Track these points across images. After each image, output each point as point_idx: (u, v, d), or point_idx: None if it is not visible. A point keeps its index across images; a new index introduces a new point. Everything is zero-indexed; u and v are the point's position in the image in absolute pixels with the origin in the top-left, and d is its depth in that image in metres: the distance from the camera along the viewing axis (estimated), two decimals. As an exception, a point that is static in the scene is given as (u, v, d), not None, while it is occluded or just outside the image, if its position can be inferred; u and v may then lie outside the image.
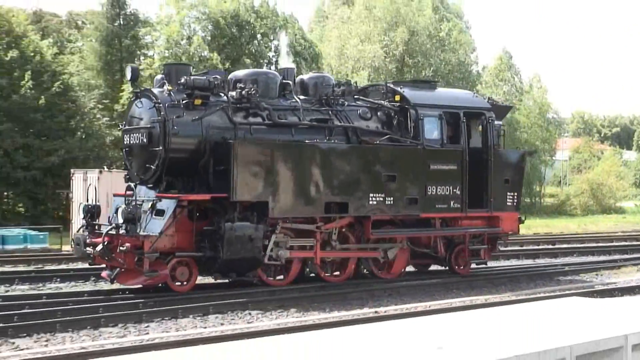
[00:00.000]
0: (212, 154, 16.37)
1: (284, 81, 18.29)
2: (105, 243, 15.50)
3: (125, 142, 17.42)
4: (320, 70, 47.38)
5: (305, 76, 19.66)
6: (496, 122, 20.17)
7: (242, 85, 17.20)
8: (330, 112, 18.23)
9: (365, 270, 19.23)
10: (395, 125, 18.91)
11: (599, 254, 28.10)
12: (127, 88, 41.15)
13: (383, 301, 16.85)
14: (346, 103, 18.70)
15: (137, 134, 16.85)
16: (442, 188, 18.70)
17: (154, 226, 15.62)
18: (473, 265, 20.40)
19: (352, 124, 18.34)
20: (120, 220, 15.59)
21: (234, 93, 17.22)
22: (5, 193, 37.60)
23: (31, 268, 21.06)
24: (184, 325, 13.93)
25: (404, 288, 18.25)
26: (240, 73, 18.69)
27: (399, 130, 18.83)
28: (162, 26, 44.86)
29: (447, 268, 20.14)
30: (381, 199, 17.88)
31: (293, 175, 16.87)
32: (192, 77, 16.61)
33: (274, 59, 47.19)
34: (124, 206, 15.98)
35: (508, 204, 19.97)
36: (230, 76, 18.40)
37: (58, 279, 18.61)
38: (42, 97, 36.88)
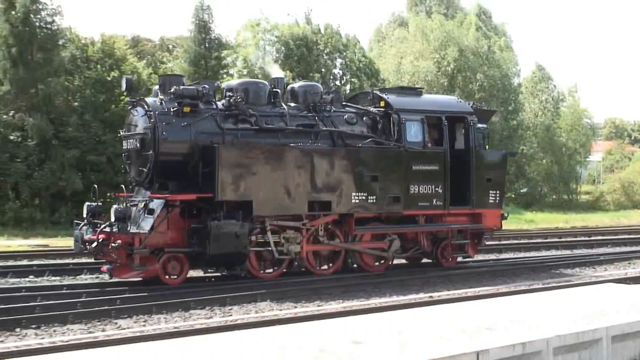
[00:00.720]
0: (200, 157, 15.82)
1: (273, 90, 17.54)
2: (100, 240, 15.15)
3: (124, 148, 17.05)
4: (380, 84, 47.28)
5: (295, 85, 18.80)
6: (480, 125, 19.27)
7: (231, 94, 16.70)
8: (316, 117, 17.42)
9: (354, 264, 18.35)
10: (380, 129, 17.99)
11: (631, 244, 27.53)
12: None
13: (437, 287, 16.73)
14: (333, 109, 17.88)
15: (132, 140, 16.42)
16: (425, 187, 17.88)
17: (145, 224, 15.28)
18: (497, 257, 19.83)
19: (337, 128, 17.52)
20: (112, 219, 15.21)
21: (224, 101, 16.71)
22: (109, 194, 38.25)
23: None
24: (262, 308, 14.01)
25: (455, 276, 18.12)
26: (233, 83, 18.03)
27: (383, 133, 17.94)
28: (240, 49, 45.21)
29: (434, 261, 19.20)
30: (364, 197, 17.15)
31: (276, 176, 16.13)
32: (181, 87, 16.08)
33: (339, 75, 47.32)
34: (115, 206, 15.58)
35: (490, 201, 18.90)
36: (224, 85, 17.88)
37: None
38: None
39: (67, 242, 27.14)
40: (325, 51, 46.66)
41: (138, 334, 11.34)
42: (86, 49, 40.31)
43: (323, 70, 46.24)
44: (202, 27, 43.65)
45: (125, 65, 40.13)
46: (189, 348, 8.19)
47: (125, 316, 12.91)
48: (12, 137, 35.20)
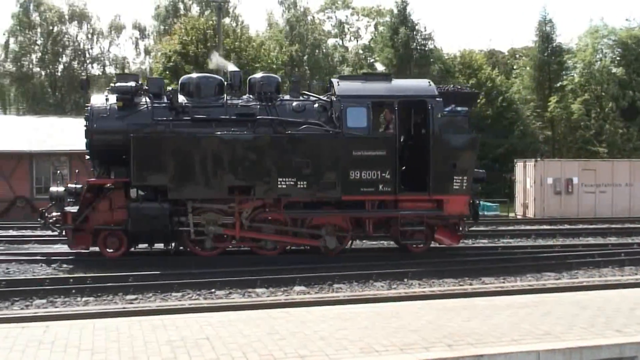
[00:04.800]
0: (131, 145, 13.75)
1: (224, 83, 15.07)
2: (46, 216, 14.15)
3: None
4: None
5: (254, 77, 15.47)
6: (460, 108, 14.76)
7: (170, 89, 14.82)
8: (259, 107, 14.43)
9: (303, 246, 15.12)
10: (328, 117, 14.44)
11: None
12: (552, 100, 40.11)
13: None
14: (282, 98, 14.78)
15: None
16: (368, 172, 14.11)
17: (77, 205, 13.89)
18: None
19: (278, 117, 14.33)
20: (50, 200, 13.93)
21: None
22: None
23: (488, 228, 20.16)
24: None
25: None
26: (191, 76, 15.33)
27: (331, 121, 14.36)
28: (580, 53, 42.66)
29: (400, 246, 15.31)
30: (292, 183, 13.96)
31: (191, 162, 13.76)
32: (117, 84, 14.30)
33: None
34: (52, 188, 14.20)
35: (455, 187, 14.34)
36: (182, 79, 15.27)
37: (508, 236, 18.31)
38: (490, 109, 37.53)
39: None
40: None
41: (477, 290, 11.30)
42: (449, 64, 41.33)
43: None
44: (545, 38, 42.19)
45: (481, 74, 40.36)
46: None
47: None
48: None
